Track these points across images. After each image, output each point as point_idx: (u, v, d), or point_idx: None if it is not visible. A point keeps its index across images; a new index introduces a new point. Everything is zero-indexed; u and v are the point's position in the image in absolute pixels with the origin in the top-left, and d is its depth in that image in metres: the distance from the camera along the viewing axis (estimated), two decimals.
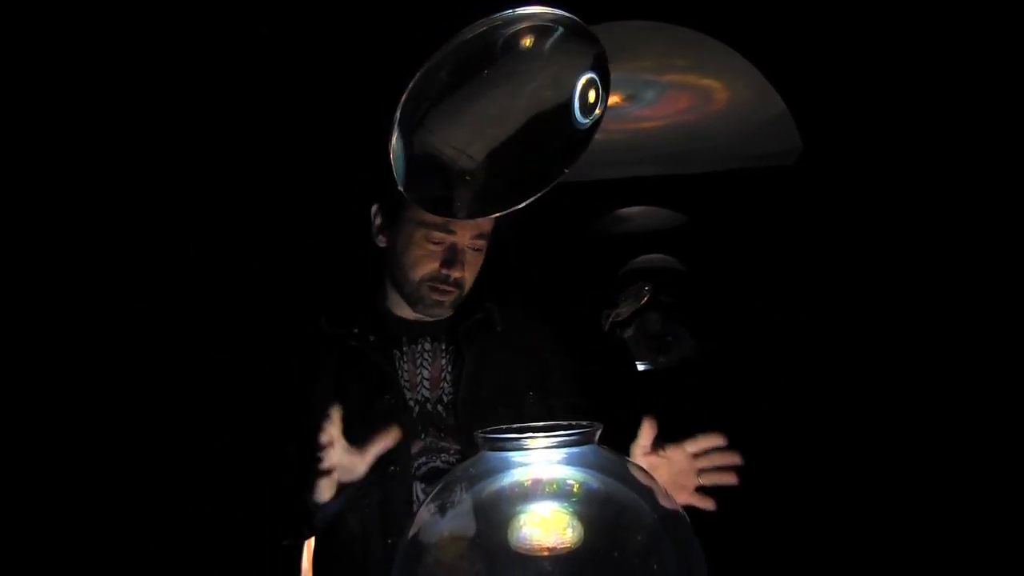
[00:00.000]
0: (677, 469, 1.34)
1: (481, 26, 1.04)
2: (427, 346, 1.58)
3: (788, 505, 3.00)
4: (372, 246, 1.59)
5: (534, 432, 1.02)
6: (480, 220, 1.49)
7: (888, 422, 2.91)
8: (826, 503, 2.98)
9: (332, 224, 2.38)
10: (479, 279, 1.57)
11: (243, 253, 2.56)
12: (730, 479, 1.36)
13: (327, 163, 2.54)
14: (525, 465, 0.99)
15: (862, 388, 2.99)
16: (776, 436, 2.87)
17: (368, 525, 1.47)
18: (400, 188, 1.09)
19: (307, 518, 1.36)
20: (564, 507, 0.95)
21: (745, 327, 3.59)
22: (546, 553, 0.92)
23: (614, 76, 1.03)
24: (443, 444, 1.51)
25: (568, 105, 1.02)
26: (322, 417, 1.25)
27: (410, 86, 1.06)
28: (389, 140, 1.07)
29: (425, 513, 1.01)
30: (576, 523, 0.94)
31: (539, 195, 1.05)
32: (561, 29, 1.03)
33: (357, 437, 1.29)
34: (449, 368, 1.56)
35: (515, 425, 1.07)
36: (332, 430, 1.25)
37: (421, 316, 1.57)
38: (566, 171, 1.04)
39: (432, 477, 1.47)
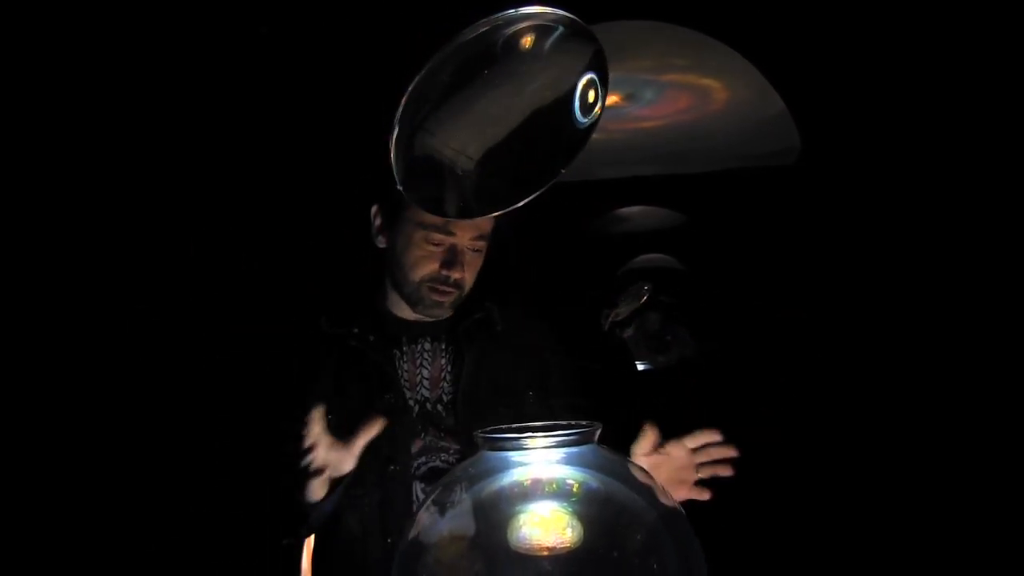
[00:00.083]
0: (677, 465, 1.36)
1: (481, 26, 1.05)
2: (427, 346, 1.58)
3: (788, 504, 3.00)
4: (372, 246, 1.59)
5: (534, 432, 1.02)
6: (479, 221, 1.49)
7: (888, 422, 2.91)
8: (826, 503, 2.98)
9: (332, 224, 2.38)
10: (479, 279, 1.57)
11: (243, 253, 2.56)
12: (726, 471, 1.39)
13: (327, 164, 2.54)
14: (525, 465, 0.99)
15: (862, 388, 3.00)
16: (776, 436, 2.87)
17: (368, 525, 1.47)
18: (400, 188, 1.09)
19: (303, 517, 1.37)
20: (564, 507, 0.95)
21: (745, 327, 3.59)
22: (546, 553, 0.92)
23: (613, 76, 1.03)
24: (443, 444, 1.51)
25: (568, 105, 1.02)
26: (316, 416, 1.25)
27: (410, 87, 1.06)
28: (389, 140, 1.07)
29: (425, 513, 1.01)
30: (576, 523, 0.94)
31: (537, 194, 1.05)
32: (561, 29, 1.03)
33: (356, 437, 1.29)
34: (449, 368, 1.56)
35: (515, 425, 1.07)
36: (315, 428, 1.25)
37: (421, 316, 1.57)
38: (563, 170, 1.04)
39: (432, 477, 1.47)
